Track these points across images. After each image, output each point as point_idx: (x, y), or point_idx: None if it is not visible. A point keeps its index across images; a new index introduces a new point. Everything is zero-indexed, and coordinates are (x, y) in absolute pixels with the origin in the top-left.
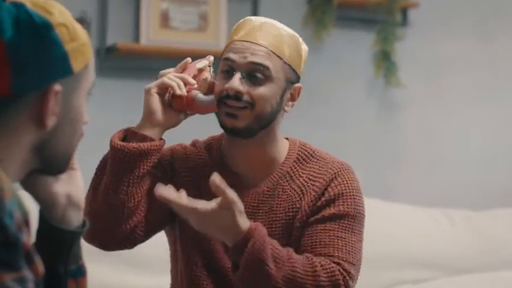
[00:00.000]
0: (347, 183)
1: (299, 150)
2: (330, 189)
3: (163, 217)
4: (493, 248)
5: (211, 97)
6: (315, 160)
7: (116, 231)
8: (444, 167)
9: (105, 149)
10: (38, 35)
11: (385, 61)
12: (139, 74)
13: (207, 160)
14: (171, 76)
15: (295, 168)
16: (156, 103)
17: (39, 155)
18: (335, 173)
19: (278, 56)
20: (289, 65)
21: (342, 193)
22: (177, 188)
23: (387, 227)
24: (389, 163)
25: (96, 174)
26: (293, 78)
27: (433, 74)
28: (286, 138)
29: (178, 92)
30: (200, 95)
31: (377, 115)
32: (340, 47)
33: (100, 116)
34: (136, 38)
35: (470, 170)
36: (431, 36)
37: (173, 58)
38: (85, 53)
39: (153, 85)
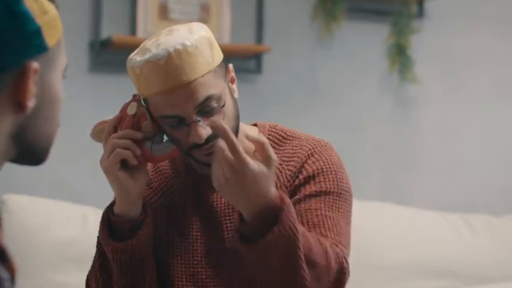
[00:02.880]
0: (326, 159)
1: (269, 134)
2: (307, 166)
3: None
4: None
5: (166, 143)
6: (288, 141)
7: None
8: (463, 169)
9: (100, 145)
10: (7, 9)
11: (400, 55)
12: None
13: (173, 173)
14: (117, 143)
15: None
16: (127, 179)
17: (17, 144)
18: (310, 150)
19: (207, 72)
20: (217, 64)
21: (322, 169)
22: (154, 210)
23: (403, 233)
24: (404, 165)
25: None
26: (224, 67)
27: (451, 69)
28: (255, 125)
29: (135, 161)
30: (155, 145)
31: (391, 113)
32: (351, 41)
33: (94, 114)
34: (133, 30)
35: (491, 171)
36: (449, 28)
37: None
38: (56, 26)
39: (110, 163)
